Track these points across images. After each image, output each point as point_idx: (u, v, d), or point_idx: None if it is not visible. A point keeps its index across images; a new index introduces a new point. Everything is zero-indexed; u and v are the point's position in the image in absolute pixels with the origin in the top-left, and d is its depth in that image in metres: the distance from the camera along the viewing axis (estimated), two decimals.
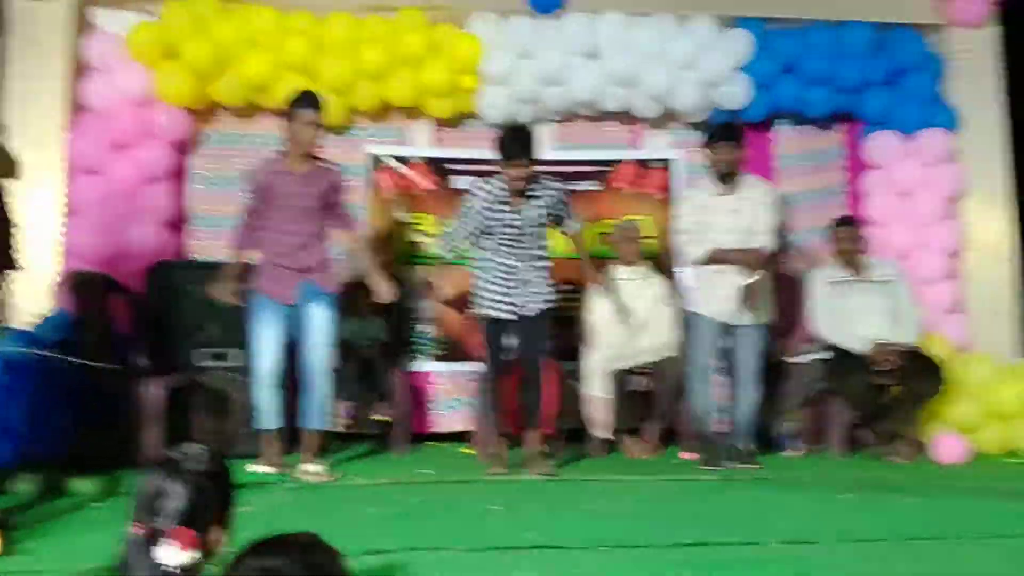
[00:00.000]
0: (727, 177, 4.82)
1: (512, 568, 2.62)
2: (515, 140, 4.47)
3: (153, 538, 1.70)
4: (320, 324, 4.36)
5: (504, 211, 4.54)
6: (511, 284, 4.55)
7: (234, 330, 4.83)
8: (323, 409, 4.40)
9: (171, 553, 1.69)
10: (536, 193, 4.57)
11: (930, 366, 5.08)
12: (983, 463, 5.03)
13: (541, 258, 4.62)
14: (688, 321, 4.96)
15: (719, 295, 4.79)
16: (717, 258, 4.78)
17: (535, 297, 4.57)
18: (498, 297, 4.55)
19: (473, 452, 5.18)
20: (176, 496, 1.72)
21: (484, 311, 4.58)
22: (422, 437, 5.57)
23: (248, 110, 5.80)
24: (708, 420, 4.87)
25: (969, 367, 5.34)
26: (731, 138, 4.83)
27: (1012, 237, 6.07)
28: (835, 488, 3.95)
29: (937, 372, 5.04)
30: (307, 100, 4.35)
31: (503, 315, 4.55)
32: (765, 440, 5.39)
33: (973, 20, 6.12)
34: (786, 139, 6.24)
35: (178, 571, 1.69)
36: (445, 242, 4.77)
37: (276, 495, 3.77)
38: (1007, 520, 3.16)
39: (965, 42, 6.15)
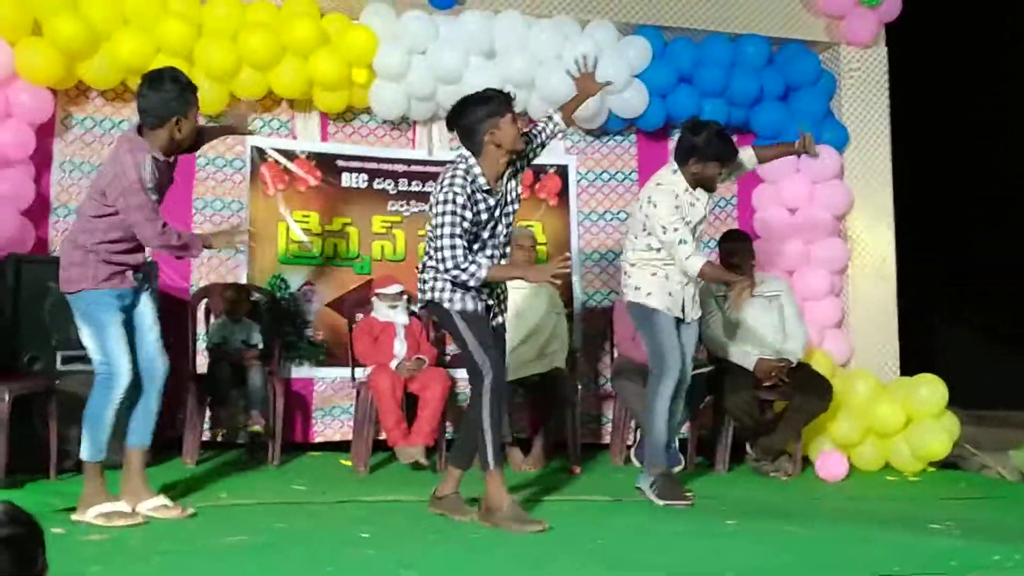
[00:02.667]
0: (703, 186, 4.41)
1: None
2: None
3: None
4: (152, 315, 3.76)
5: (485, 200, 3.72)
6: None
7: None
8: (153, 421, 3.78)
9: None
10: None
11: (817, 382, 5.10)
12: (863, 480, 5.09)
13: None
14: (646, 318, 4.38)
15: (673, 288, 4.35)
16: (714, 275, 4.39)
17: (503, 305, 3.91)
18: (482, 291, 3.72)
19: (350, 464, 4.96)
20: None
21: (468, 302, 3.70)
22: (299, 447, 5.32)
23: (120, 93, 5.42)
24: (665, 445, 4.34)
25: (851, 384, 5.40)
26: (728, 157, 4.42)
27: (894, 256, 6.19)
28: (722, 513, 3.89)
29: (823, 388, 5.07)
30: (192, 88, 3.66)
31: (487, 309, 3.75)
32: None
33: (864, 39, 6.21)
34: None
35: None
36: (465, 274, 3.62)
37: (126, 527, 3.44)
38: (891, 556, 3.13)
39: (855, 61, 6.26)
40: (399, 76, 5.53)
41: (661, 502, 4.15)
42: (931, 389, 5.29)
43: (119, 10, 5.13)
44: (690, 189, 4.36)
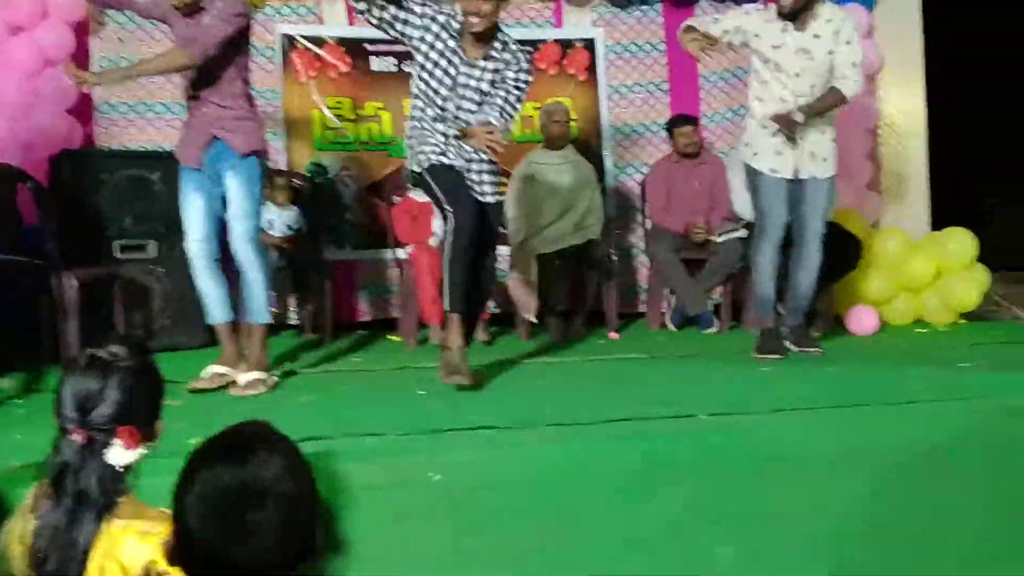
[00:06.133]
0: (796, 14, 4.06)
1: (451, 449, 2.65)
2: None
3: (93, 442, 1.67)
4: (235, 195, 3.62)
5: (453, 62, 3.58)
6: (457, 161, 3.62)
7: (150, 221, 4.70)
8: (256, 299, 3.72)
9: (120, 454, 1.67)
10: (496, 54, 3.62)
11: (846, 241, 5.19)
12: (893, 334, 5.24)
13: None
14: (750, 179, 4.27)
15: (780, 146, 4.14)
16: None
17: (487, 182, 3.73)
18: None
19: (399, 339, 5.17)
20: (110, 397, 1.68)
21: (434, 159, 3.58)
22: (346, 326, 5.54)
23: None
24: (771, 302, 4.28)
25: (881, 242, 5.50)
26: None
27: (924, 114, 6.19)
28: (756, 363, 4.07)
29: (853, 247, 5.17)
30: None
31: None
32: (686, 318, 5.55)
33: None
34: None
35: (126, 470, 1.68)
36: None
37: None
38: (923, 385, 3.30)
39: None
40: None
41: (754, 355, 4.18)
42: (960, 243, 5.38)
43: None
44: (778, 20, 4.09)
